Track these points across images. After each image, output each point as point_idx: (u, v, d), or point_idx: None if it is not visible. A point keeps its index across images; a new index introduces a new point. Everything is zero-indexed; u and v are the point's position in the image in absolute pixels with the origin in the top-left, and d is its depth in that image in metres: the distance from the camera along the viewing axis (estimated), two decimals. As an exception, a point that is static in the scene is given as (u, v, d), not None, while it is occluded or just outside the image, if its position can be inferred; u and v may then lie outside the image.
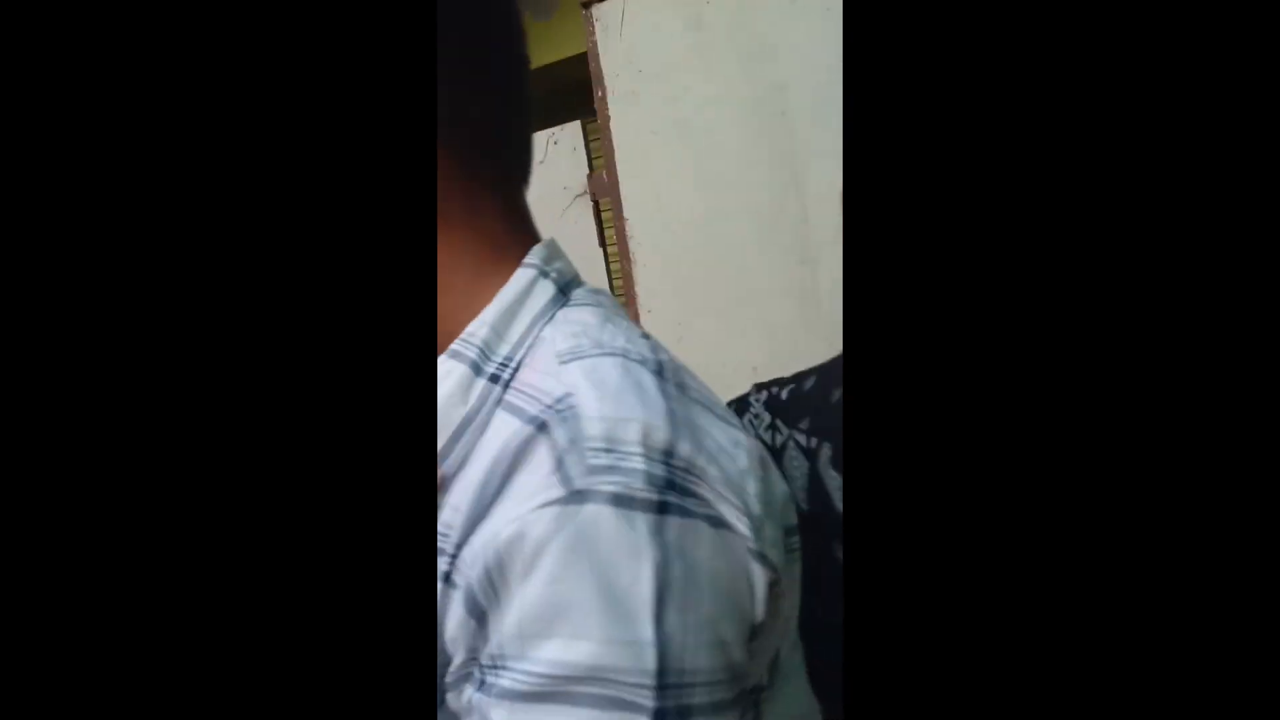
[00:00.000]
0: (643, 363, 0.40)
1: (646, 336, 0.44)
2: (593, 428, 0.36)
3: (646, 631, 0.33)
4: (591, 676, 0.33)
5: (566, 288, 0.45)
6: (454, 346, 0.41)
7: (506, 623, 0.34)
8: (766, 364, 1.19)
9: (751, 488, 0.38)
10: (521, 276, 0.43)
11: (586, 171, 1.55)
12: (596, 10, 1.26)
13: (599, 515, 0.34)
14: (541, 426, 0.36)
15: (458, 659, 0.37)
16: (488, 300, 0.42)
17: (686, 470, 0.36)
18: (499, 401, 0.39)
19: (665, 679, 0.33)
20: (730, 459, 0.38)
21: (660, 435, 0.36)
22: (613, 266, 1.63)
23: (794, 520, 0.42)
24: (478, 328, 0.41)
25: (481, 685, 0.36)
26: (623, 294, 1.54)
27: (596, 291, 0.46)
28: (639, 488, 0.34)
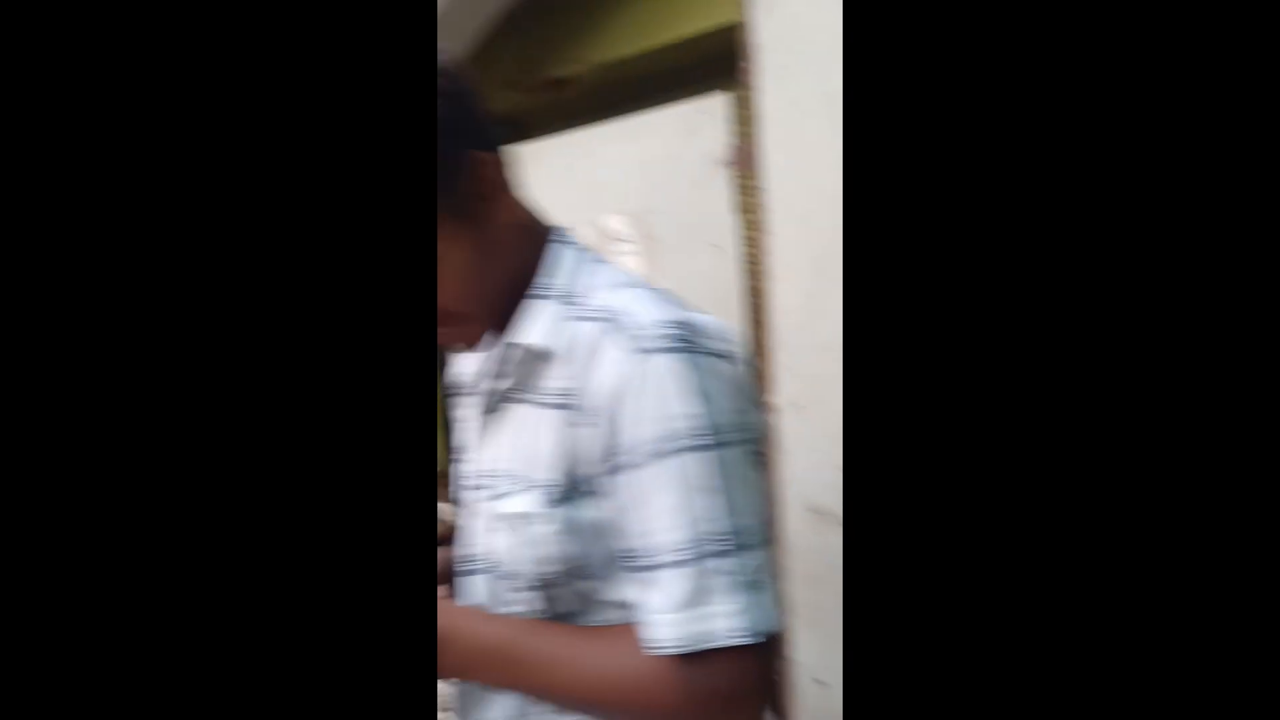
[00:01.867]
0: (652, 290, 0.70)
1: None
2: (641, 319, 0.65)
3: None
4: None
5: (582, 249, 0.74)
6: (531, 293, 0.71)
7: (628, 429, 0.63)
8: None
9: (730, 335, 0.69)
10: (555, 248, 0.73)
11: (730, 142, 1.57)
12: (755, -21, 1.26)
13: (661, 361, 0.63)
14: (614, 325, 0.65)
15: (575, 471, 0.66)
16: (534, 267, 0.72)
17: (690, 327, 0.65)
18: (579, 315, 0.68)
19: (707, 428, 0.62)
20: (711, 322, 0.68)
21: (676, 315, 0.66)
22: (749, 235, 1.64)
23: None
24: (546, 280, 0.71)
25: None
26: (754, 262, 1.55)
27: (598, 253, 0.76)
28: (674, 344, 0.63)
